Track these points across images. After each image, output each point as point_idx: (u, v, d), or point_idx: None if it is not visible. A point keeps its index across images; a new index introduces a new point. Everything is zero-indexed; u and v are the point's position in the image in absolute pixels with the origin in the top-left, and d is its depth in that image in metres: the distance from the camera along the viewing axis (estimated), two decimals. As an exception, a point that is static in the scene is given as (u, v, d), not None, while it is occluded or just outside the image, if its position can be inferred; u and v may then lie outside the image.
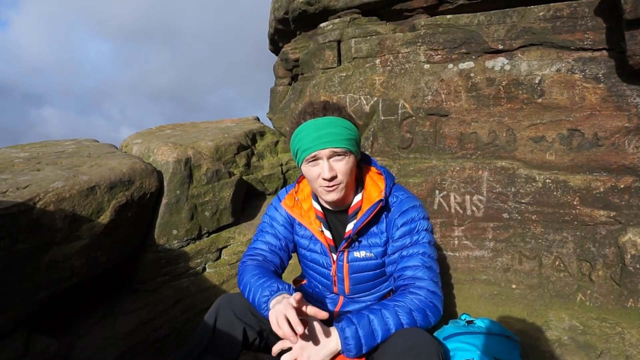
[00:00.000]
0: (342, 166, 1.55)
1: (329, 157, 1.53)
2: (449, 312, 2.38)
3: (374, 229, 1.65)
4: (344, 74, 2.72)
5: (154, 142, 2.77)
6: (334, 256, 1.68)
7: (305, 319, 1.35)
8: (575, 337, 2.01)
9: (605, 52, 2.17)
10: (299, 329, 1.25)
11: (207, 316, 1.55)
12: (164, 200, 2.45)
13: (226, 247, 2.64)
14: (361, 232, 1.64)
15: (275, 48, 3.98)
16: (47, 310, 2.05)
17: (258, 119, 3.94)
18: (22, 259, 1.80)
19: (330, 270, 1.71)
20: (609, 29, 2.14)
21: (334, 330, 1.35)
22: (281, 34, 3.59)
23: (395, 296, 1.50)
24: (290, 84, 3.56)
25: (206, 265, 2.58)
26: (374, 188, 1.66)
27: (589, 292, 2.19)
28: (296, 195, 1.77)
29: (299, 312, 1.32)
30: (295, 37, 3.41)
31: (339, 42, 2.85)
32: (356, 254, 1.65)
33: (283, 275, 2.52)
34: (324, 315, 1.34)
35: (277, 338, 1.54)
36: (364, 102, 2.65)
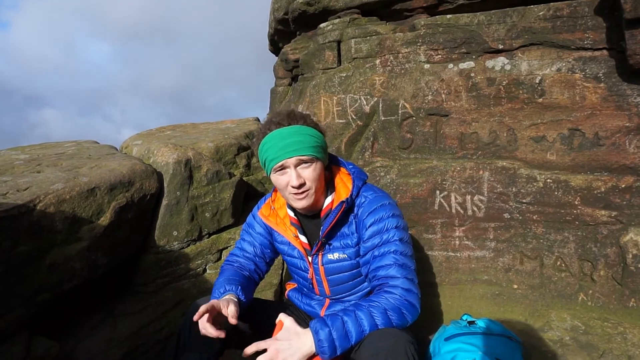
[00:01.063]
0: (309, 173, 1.58)
1: (296, 166, 1.56)
2: (450, 313, 2.38)
3: (344, 230, 1.67)
4: (344, 74, 2.71)
5: (154, 144, 2.77)
6: (310, 259, 1.71)
7: (280, 320, 1.40)
8: (577, 337, 2.01)
9: (605, 52, 2.17)
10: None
11: (185, 316, 1.60)
12: (164, 202, 2.44)
13: (227, 248, 2.64)
14: (332, 234, 1.67)
15: (275, 48, 3.98)
16: (48, 312, 2.04)
17: (258, 120, 3.94)
18: (23, 261, 1.80)
19: (308, 273, 1.74)
20: (609, 28, 2.13)
21: (308, 332, 1.35)
22: (281, 34, 3.59)
23: (371, 296, 1.51)
24: (290, 85, 3.56)
25: (207, 267, 2.57)
26: (344, 189, 1.67)
27: (590, 292, 2.19)
28: (272, 203, 1.81)
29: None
30: (295, 37, 3.41)
31: (338, 42, 2.84)
32: (330, 256, 1.68)
33: (284, 280, 2.53)
34: (219, 334, 1.41)
35: (255, 336, 1.60)
36: (364, 102, 2.65)
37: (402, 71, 2.59)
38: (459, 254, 2.44)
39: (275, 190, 1.82)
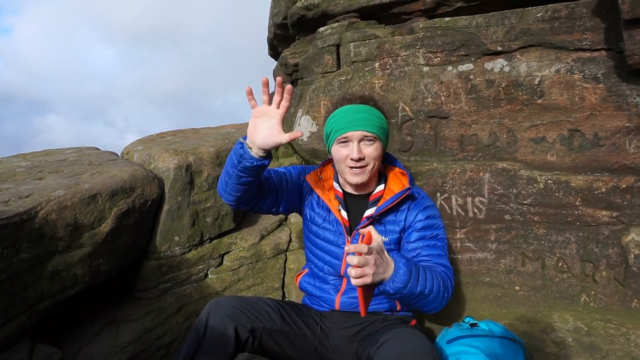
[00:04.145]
0: (371, 150, 1.68)
1: (359, 140, 1.67)
2: (452, 315, 2.37)
3: (392, 217, 1.77)
4: (344, 78, 2.72)
5: (155, 149, 2.77)
6: (348, 237, 1.76)
7: (369, 232, 1.34)
8: (580, 338, 2.01)
9: (604, 52, 2.17)
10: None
11: (197, 320, 1.60)
12: (166, 207, 2.45)
13: (228, 252, 2.64)
14: (382, 217, 1.76)
15: (275, 53, 3.99)
16: (51, 319, 2.05)
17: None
18: (25, 268, 1.81)
19: (343, 248, 1.77)
20: (607, 29, 2.14)
21: (391, 262, 1.37)
22: (280, 38, 3.60)
23: (433, 267, 1.60)
24: (290, 89, 3.56)
25: (208, 272, 2.58)
26: (397, 183, 1.80)
27: (592, 293, 2.19)
28: (320, 174, 1.90)
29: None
30: (294, 41, 3.42)
31: (337, 46, 2.85)
32: None
33: (286, 283, 2.52)
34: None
35: (270, 336, 1.65)
36: (364, 105, 2.65)
37: (401, 74, 2.59)
38: (460, 256, 2.44)
39: (323, 164, 1.94)
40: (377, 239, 1.34)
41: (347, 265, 1.74)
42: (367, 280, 1.26)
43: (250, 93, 1.55)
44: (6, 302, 1.74)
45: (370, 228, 1.36)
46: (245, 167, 1.59)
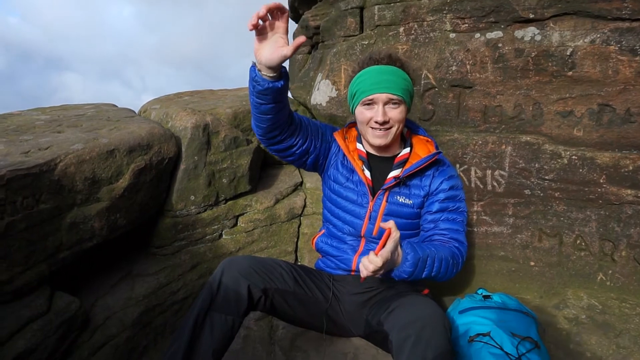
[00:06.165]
0: (395, 114, 1.68)
1: (384, 103, 1.66)
2: (465, 287, 2.37)
3: (417, 181, 1.78)
4: (366, 42, 2.64)
5: (172, 108, 2.76)
6: (372, 197, 1.78)
7: (390, 229, 1.43)
8: (593, 316, 1.99)
9: (644, 23, 2.05)
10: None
11: (212, 277, 1.62)
12: (182, 166, 2.45)
13: (243, 214, 2.65)
14: (407, 179, 1.77)
15: (295, 15, 3.88)
16: (69, 269, 2.09)
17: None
18: (44, 218, 1.83)
19: (365, 208, 1.78)
20: (651, -3, 2.02)
21: (400, 258, 1.49)
22: (301, 0, 3.50)
23: (447, 245, 1.66)
24: (310, 53, 3.48)
25: (223, 232, 2.60)
26: (422, 148, 1.80)
27: (610, 272, 2.15)
28: (345, 134, 1.91)
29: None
30: (316, 3, 3.32)
31: (361, 8, 2.75)
32: (397, 197, 1.77)
33: (299, 247, 2.53)
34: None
35: (282, 297, 1.68)
36: (386, 71, 2.58)
37: (427, 40, 2.50)
38: (475, 229, 2.42)
39: (348, 125, 1.94)
40: (395, 235, 1.41)
41: (369, 226, 1.78)
42: (376, 275, 1.41)
43: (255, 27, 1.44)
44: (26, 250, 1.78)
45: (391, 224, 1.42)
46: (259, 91, 1.54)
